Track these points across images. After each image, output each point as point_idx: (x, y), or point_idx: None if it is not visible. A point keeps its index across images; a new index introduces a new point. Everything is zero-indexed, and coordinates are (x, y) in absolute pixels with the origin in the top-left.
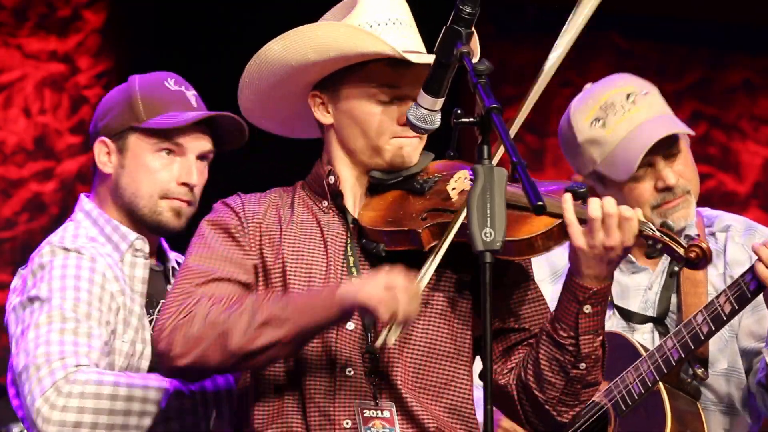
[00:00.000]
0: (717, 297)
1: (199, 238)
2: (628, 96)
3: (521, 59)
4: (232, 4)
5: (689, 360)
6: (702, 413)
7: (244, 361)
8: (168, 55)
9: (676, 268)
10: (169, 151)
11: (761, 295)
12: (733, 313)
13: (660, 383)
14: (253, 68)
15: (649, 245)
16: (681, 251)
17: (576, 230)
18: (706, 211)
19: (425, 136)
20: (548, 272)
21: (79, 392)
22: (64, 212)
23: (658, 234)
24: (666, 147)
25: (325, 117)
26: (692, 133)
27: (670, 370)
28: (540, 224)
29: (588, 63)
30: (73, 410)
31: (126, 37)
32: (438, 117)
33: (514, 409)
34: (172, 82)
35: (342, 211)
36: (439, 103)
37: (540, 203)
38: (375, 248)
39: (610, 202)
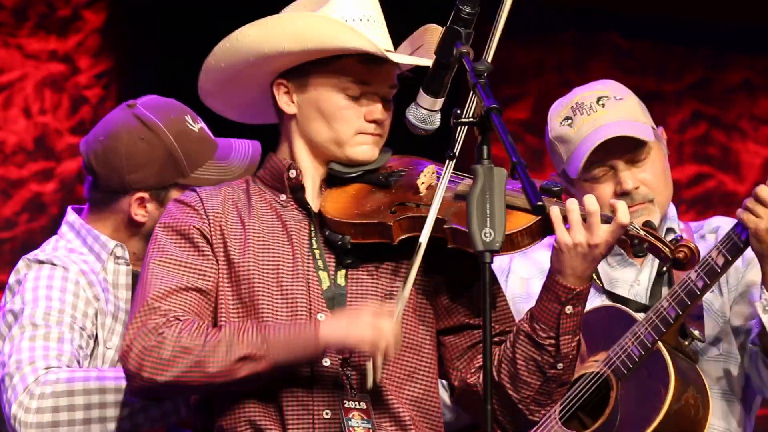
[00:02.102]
0: (709, 252)
1: (153, 244)
2: (599, 99)
3: (521, 59)
4: (232, 4)
5: (685, 322)
6: (702, 374)
7: (223, 387)
8: (168, 56)
9: (664, 269)
10: None
11: (750, 280)
12: (727, 265)
13: (660, 343)
14: (220, 51)
15: (634, 244)
16: (667, 251)
17: (561, 228)
18: (692, 223)
19: (386, 134)
20: (536, 270)
21: (51, 392)
22: (64, 212)
23: (642, 233)
24: (629, 151)
25: (288, 106)
26: (650, 139)
27: (668, 328)
28: (520, 221)
29: (588, 63)
30: (47, 411)
31: (126, 37)
32: (437, 117)
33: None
34: (190, 119)
35: (302, 204)
36: (439, 103)
37: (540, 203)
38: (341, 240)
39: (591, 199)
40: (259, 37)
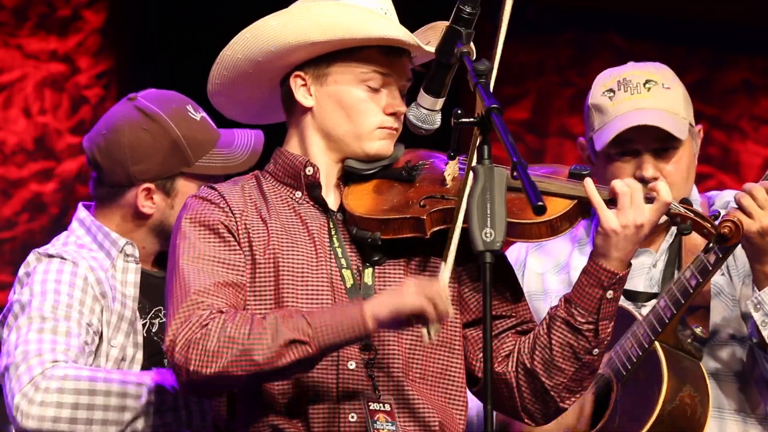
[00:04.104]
0: (702, 250)
1: (182, 241)
2: (647, 81)
3: (521, 59)
4: (232, 4)
5: (685, 319)
6: (705, 372)
7: (271, 376)
8: (168, 56)
9: (710, 245)
10: None
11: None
12: (719, 262)
13: (657, 343)
14: (239, 42)
15: (677, 222)
16: (709, 227)
17: (606, 212)
18: (710, 192)
19: (401, 128)
20: (551, 264)
21: (57, 387)
22: (64, 212)
23: (682, 210)
24: (659, 142)
25: (306, 99)
26: (682, 137)
27: (663, 328)
28: (557, 207)
29: (587, 63)
30: (51, 405)
31: (126, 37)
32: (438, 117)
33: (510, 397)
34: (191, 108)
35: (319, 202)
36: (440, 103)
37: (540, 203)
38: (371, 237)
39: (630, 179)
40: (282, 27)
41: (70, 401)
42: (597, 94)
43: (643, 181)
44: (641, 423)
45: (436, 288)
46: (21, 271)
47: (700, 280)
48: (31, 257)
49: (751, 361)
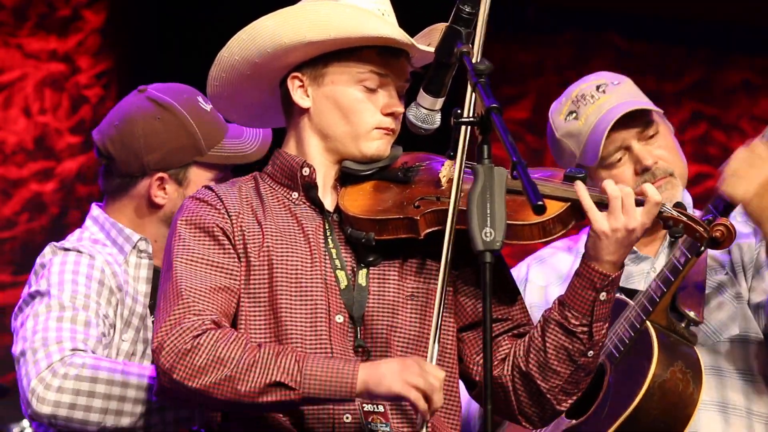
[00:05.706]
0: (694, 253)
1: (177, 241)
2: (598, 87)
3: (521, 59)
4: (232, 4)
5: (679, 305)
6: (699, 355)
7: (248, 408)
8: (168, 55)
9: (702, 249)
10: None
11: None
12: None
13: (649, 323)
14: (236, 43)
15: (669, 226)
16: (701, 230)
17: (597, 215)
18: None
19: (398, 129)
20: (554, 276)
21: (75, 375)
22: (64, 212)
23: (675, 214)
24: (639, 127)
25: (303, 100)
26: (659, 110)
27: (654, 307)
28: (551, 209)
29: (587, 63)
30: (68, 391)
31: (126, 37)
32: (438, 117)
33: (506, 400)
34: (201, 99)
35: (315, 202)
36: (439, 102)
37: (540, 203)
38: (365, 238)
39: (621, 184)
40: (278, 27)
41: (87, 389)
42: (561, 125)
43: (647, 170)
44: (632, 397)
45: (434, 382)
46: (37, 263)
47: (689, 257)
48: (48, 250)
49: (758, 357)
